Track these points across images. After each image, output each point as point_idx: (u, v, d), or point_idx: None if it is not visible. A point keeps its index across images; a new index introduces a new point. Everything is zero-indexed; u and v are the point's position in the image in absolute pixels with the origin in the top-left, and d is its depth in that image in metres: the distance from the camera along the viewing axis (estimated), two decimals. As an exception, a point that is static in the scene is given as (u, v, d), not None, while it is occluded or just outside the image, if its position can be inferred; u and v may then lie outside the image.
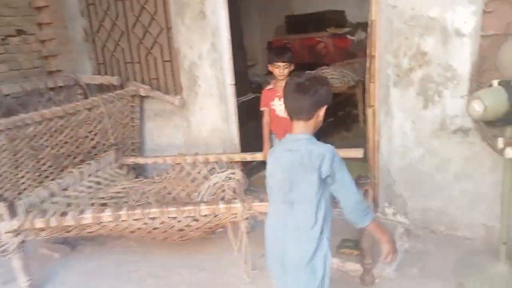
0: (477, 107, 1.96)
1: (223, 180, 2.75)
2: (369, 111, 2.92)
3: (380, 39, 2.69)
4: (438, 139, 2.65)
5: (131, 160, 3.46)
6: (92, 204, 2.82)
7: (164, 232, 2.42)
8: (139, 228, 2.37)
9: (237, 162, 3.23)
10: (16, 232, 2.36)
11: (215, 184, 2.74)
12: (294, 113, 1.59)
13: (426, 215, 2.80)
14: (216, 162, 3.19)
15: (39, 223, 2.35)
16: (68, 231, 2.44)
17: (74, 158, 3.31)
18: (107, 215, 2.31)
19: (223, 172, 2.88)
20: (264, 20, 7.01)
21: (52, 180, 3.12)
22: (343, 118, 5.23)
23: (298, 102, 1.56)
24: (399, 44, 2.62)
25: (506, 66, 2.21)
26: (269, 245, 1.67)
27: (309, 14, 6.66)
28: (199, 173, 3.16)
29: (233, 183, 2.73)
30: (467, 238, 2.67)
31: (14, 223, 2.33)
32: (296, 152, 1.55)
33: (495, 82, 2.06)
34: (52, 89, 3.83)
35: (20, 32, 3.89)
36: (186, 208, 2.27)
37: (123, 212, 2.30)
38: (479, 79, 2.40)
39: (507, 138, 2.09)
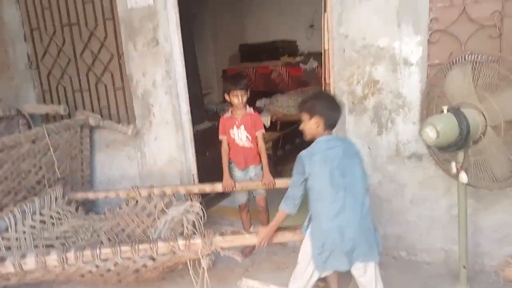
0: (431, 133, 2.01)
1: (181, 214, 2.61)
2: (326, 138, 2.93)
3: (333, 68, 2.74)
4: (393, 165, 2.70)
5: (79, 195, 3.19)
6: (36, 247, 2.56)
7: (118, 274, 2.22)
8: (89, 271, 2.17)
9: (195, 193, 3.08)
10: None
11: (172, 218, 2.59)
12: (336, 123, 2.07)
13: (387, 241, 2.80)
14: (173, 195, 3.02)
15: None
16: (7, 279, 2.17)
17: (16, 194, 3.03)
18: (52, 259, 2.08)
19: (181, 205, 2.75)
20: (218, 49, 7.04)
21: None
22: (300, 145, 5.26)
23: (339, 115, 2.08)
24: (352, 73, 2.68)
25: (452, 93, 2.31)
26: (333, 239, 1.93)
27: (262, 43, 6.80)
28: (155, 207, 2.95)
29: (192, 216, 2.60)
30: (426, 263, 2.70)
31: None
32: (338, 147, 1.98)
33: (445, 109, 2.14)
34: (-10, 119, 3.55)
35: (-46, 58, 3.61)
36: (141, 246, 2.10)
37: (70, 254, 2.09)
38: (428, 106, 2.49)
39: (460, 162, 2.15)
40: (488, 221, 2.51)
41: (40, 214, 2.84)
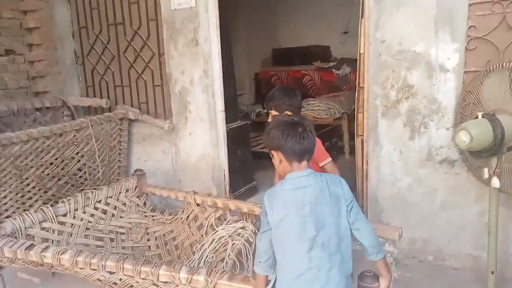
0: (464, 137, 2.05)
1: (229, 236, 2.40)
2: (357, 141, 2.99)
3: (368, 72, 2.79)
4: (424, 169, 2.72)
5: (149, 190, 3.09)
6: (86, 237, 2.66)
7: None
8: (99, 279, 2.09)
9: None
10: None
11: (220, 238, 2.42)
12: (300, 155, 1.51)
13: (413, 244, 2.83)
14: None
15: (7, 253, 2.18)
16: (41, 265, 2.23)
17: (59, 180, 3.23)
18: (65, 259, 2.06)
19: (232, 223, 2.52)
20: (251, 52, 7.18)
21: (36, 201, 3.04)
22: (329, 149, 5.30)
23: (307, 143, 1.52)
24: (386, 77, 2.73)
25: (487, 100, 2.33)
26: None
27: (295, 48, 6.89)
28: (206, 219, 2.75)
29: (239, 242, 2.34)
30: (454, 268, 2.70)
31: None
32: (309, 187, 1.48)
33: (479, 115, 2.16)
34: (38, 109, 3.78)
35: (8, 52, 3.87)
36: (143, 268, 1.93)
37: (80, 259, 2.04)
38: (462, 112, 2.51)
39: (492, 168, 2.17)
40: (520, 230, 2.50)
41: (106, 203, 2.86)
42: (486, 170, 2.21)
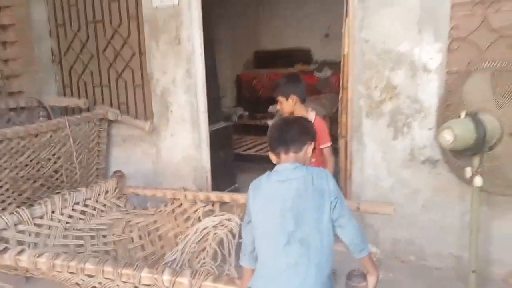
0: (447, 137, 2.05)
1: (213, 226, 2.37)
2: (341, 141, 2.98)
3: (352, 71, 2.80)
4: (407, 169, 2.73)
5: (130, 190, 3.01)
6: (65, 237, 2.55)
7: None
8: (77, 284, 1.99)
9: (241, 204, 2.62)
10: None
11: (203, 229, 2.40)
12: (283, 145, 1.53)
13: (396, 245, 2.84)
14: (219, 202, 2.68)
15: None
16: (15, 269, 2.12)
17: (34, 182, 3.10)
18: (42, 262, 1.95)
19: (219, 215, 2.50)
20: (233, 54, 7.14)
21: (9, 204, 2.92)
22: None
23: (288, 134, 1.54)
24: (370, 76, 2.74)
25: (470, 100, 2.35)
26: None
27: (277, 50, 6.89)
28: (194, 212, 2.71)
29: (222, 232, 2.32)
30: (436, 268, 2.72)
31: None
32: (294, 180, 1.45)
33: (462, 114, 2.18)
34: (12, 110, 3.64)
35: (-19, 49, 3.73)
36: (124, 271, 1.83)
37: (58, 262, 1.92)
38: (444, 112, 2.54)
39: (475, 167, 2.19)
40: (501, 229, 2.53)
41: (85, 205, 2.75)
42: (468, 169, 2.23)
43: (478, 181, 2.16)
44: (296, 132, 1.55)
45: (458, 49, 2.48)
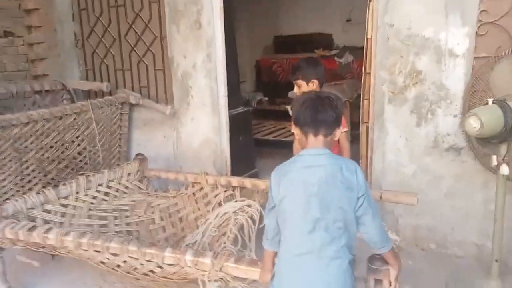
0: (474, 123, 2.01)
1: (234, 212, 2.40)
2: (362, 127, 2.95)
3: (375, 56, 2.74)
4: (430, 156, 2.69)
5: (152, 173, 3.10)
6: (89, 217, 2.64)
7: (128, 272, 2.07)
8: (102, 262, 2.06)
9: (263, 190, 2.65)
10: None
11: (224, 214, 2.43)
12: (314, 126, 1.45)
13: (417, 232, 2.81)
14: (239, 187, 2.70)
15: (9, 234, 2.15)
16: (43, 247, 2.22)
17: (59, 163, 3.19)
18: (69, 240, 2.03)
19: (239, 201, 2.52)
20: (252, 40, 7.09)
21: (35, 184, 3.00)
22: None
23: (322, 115, 1.45)
24: (394, 62, 2.68)
25: (498, 87, 2.29)
26: None
27: (297, 35, 6.80)
28: (215, 197, 2.76)
29: (243, 218, 2.35)
30: (457, 256, 2.69)
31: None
32: (321, 167, 1.41)
33: (490, 101, 2.13)
34: (37, 92, 3.71)
35: (7, 34, 3.79)
36: (148, 250, 1.89)
37: (84, 240, 2.00)
38: (471, 99, 2.47)
39: (502, 155, 2.14)
40: (525, 219, 2.47)
41: (108, 186, 2.84)
42: (494, 157, 2.18)
43: (504, 169, 2.12)
44: (330, 114, 1.46)
45: (487, 34, 2.40)
